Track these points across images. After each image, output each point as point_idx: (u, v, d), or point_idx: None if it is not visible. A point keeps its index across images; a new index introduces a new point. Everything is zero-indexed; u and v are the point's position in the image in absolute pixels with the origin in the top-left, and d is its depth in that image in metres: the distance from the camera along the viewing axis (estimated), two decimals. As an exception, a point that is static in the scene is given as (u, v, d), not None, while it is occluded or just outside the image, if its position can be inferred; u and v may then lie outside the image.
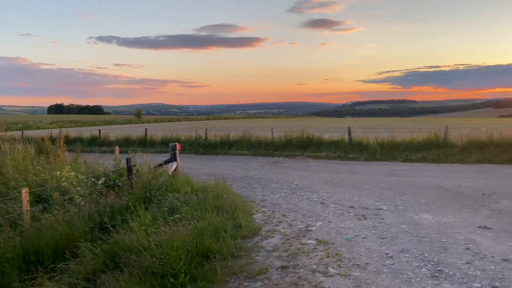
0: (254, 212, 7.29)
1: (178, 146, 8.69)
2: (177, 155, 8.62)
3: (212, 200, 6.65)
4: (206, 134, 18.18)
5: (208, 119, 69.25)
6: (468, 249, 5.16)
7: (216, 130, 23.56)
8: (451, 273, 4.45)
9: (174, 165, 8.40)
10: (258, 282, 4.46)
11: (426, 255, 5.00)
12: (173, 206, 6.24)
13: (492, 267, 4.57)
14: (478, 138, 13.14)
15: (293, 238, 5.82)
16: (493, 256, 4.88)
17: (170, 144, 8.74)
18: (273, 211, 7.33)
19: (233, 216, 6.27)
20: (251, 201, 8.10)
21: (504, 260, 4.77)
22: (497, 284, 4.15)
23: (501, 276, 4.31)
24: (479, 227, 6.07)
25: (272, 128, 18.35)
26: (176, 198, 6.61)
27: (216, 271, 4.60)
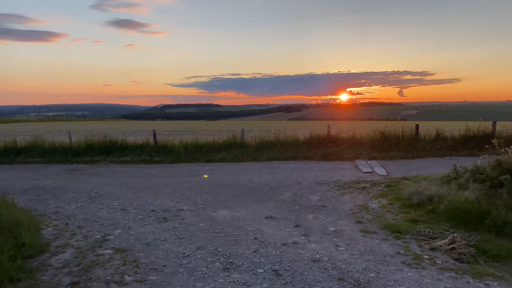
0: (44, 227, 6.52)
1: None
2: None
3: (-15, 219, 5.64)
4: (-15, 140, 15.37)
5: (-8, 123, 58.70)
6: (256, 238, 5.73)
7: (0, 135, 20.19)
8: (240, 263, 4.87)
9: None
10: (41, 305, 3.98)
11: (220, 249, 5.34)
12: None
13: (274, 252, 5.19)
14: (268, 138, 14.84)
15: (88, 250, 5.43)
16: (275, 243, 5.55)
17: None
18: (67, 224, 6.70)
19: (14, 235, 5.46)
20: (41, 215, 7.24)
21: (283, 244, 5.48)
22: (276, 267, 4.72)
23: (280, 260, 4.93)
24: (266, 217, 6.82)
25: (70, 132, 16.79)
26: None
27: (-13, 301, 3.91)
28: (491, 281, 4.28)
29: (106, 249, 5.46)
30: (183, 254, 5.19)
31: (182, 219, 6.84)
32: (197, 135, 16.61)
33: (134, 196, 8.62)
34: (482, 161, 7.97)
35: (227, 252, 5.21)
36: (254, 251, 5.23)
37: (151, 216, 7.06)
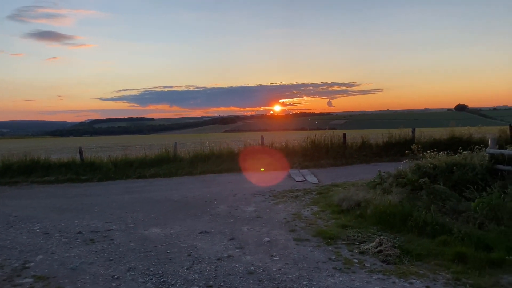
0: (-49, 259, 5.86)
1: None
2: None
3: None
4: None
5: None
6: (189, 255, 5.59)
7: None
8: (173, 282, 4.71)
9: None
10: None
11: (151, 269, 5.13)
12: None
13: (208, 268, 5.09)
14: (203, 151, 14.71)
15: (4, 281, 4.95)
16: (210, 258, 5.45)
17: None
18: (-21, 254, 6.07)
19: None
20: None
21: (218, 259, 5.40)
22: (211, 283, 4.63)
23: (214, 275, 4.84)
24: (200, 232, 6.69)
25: (-15, 152, 15.43)
26: None
27: None
28: (414, 279, 4.53)
29: (25, 278, 5.02)
30: (112, 277, 4.92)
31: (111, 239, 6.50)
32: (127, 150, 16.04)
33: (58, 218, 8.07)
34: (404, 166, 8.52)
35: (160, 271, 5.03)
36: (187, 268, 5.09)
37: (78, 239, 6.63)
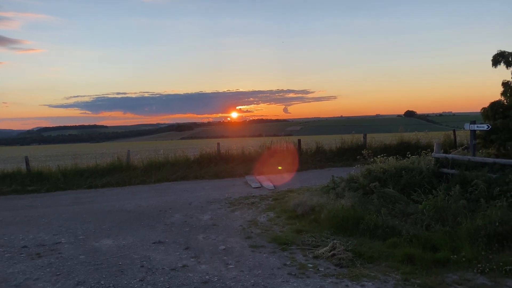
0: None
1: None
2: None
3: None
4: None
5: None
6: (142, 266, 5.44)
7: None
8: (125, 294, 4.55)
9: None
10: None
11: (102, 282, 4.94)
12: None
13: (162, 278, 4.97)
14: (157, 159, 14.42)
15: None
16: (164, 268, 5.33)
17: None
18: None
19: None
20: None
21: (172, 269, 5.28)
22: (165, 294, 4.52)
23: (168, 286, 4.74)
24: (154, 243, 6.53)
25: None
26: None
27: None
28: (366, 281, 4.65)
29: (-38, 298, 4.68)
30: (59, 293, 4.69)
31: (59, 253, 6.20)
32: (78, 159, 15.36)
33: (1, 232, 7.59)
34: (356, 170, 8.76)
35: (111, 284, 4.85)
36: (140, 280, 4.95)
37: (22, 253, 6.27)
